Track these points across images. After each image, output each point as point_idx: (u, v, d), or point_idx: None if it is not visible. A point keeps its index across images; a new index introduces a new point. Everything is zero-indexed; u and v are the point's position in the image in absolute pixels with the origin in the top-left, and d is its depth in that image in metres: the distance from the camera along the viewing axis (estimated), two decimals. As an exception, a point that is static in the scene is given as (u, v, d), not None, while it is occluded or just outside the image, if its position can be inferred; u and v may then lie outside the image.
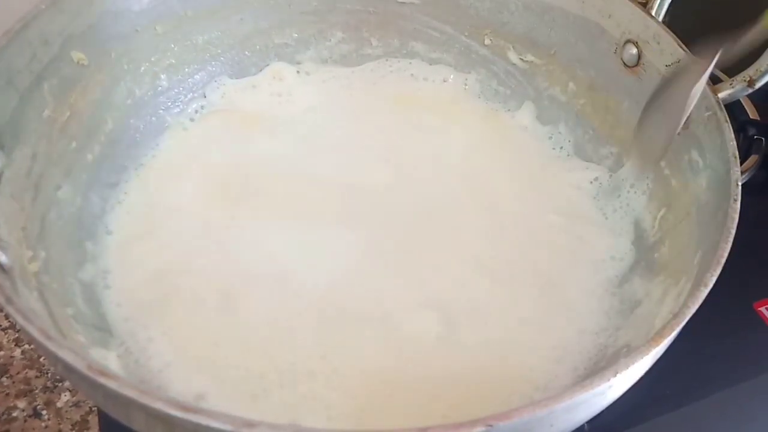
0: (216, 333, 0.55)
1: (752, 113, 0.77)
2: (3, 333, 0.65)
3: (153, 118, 0.70)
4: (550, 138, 0.73)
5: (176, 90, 0.72)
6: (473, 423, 0.35)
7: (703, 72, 0.53)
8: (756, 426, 0.60)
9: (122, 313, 0.57)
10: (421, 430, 0.34)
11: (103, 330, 0.55)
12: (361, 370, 0.54)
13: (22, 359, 0.62)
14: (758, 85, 0.57)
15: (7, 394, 0.60)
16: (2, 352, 0.63)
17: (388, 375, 0.54)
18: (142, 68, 0.68)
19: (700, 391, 0.59)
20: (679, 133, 0.59)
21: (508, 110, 0.76)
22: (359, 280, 0.60)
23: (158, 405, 0.34)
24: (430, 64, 0.79)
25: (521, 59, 0.75)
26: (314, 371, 0.54)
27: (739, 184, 0.50)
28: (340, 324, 0.57)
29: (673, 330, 0.41)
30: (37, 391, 0.60)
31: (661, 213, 0.61)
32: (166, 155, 0.68)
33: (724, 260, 0.45)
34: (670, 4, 0.66)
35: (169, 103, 0.71)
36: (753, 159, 0.74)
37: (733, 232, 0.47)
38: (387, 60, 0.79)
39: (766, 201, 0.74)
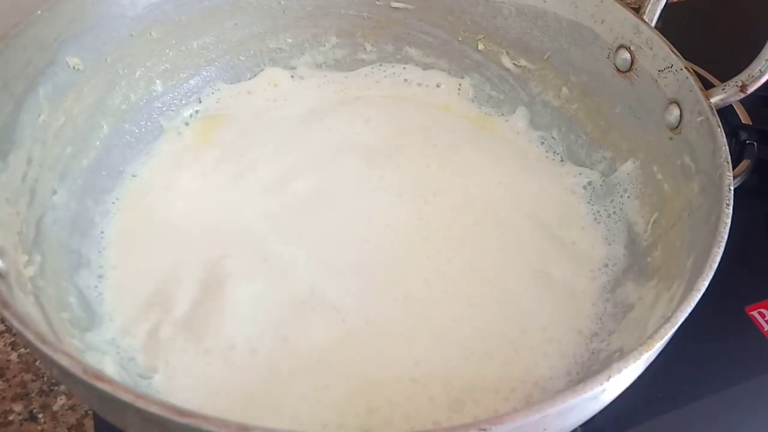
0: (209, 342, 0.55)
1: (744, 118, 0.78)
2: (-1, 337, 0.65)
3: (148, 123, 0.70)
4: (543, 143, 0.73)
5: (171, 95, 0.72)
6: (467, 426, 0.35)
7: None
8: (748, 428, 0.60)
9: (117, 317, 0.57)
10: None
11: (97, 333, 0.55)
12: (363, 371, 0.54)
13: (18, 363, 0.62)
14: (750, 90, 0.58)
15: (3, 398, 0.60)
16: (-2, 356, 0.63)
17: (386, 368, 0.54)
18: (137, 73, 0.68)
19: (693, 394, 0.60)
20: (671, 138, 0.59)
21: (502, 115, 0.76)
22: (357, 282, 0.60)
23: (153, 409, 0.35)
24: (424, 69, 0.79)
25: (514, 64, 0.75)
26: (318, 372, 0.54)
27: (732, 188, 0.50)
28: (340, 327, 0.57)
29: (665, 334, 0.41)
30: (33, 395, 0.60)
31: (654, 217, 0.61)
32: (161, 160, 0.69)
33: (716, 264, 0.45)
34: (663, 10, 0.66)
35: (164, 108, 0.71)
36: (745, 163, 0.74)
37: (726, 236, 0.47)
38: (381, 65, 0.80)
39: (758, 205, 0.74)
